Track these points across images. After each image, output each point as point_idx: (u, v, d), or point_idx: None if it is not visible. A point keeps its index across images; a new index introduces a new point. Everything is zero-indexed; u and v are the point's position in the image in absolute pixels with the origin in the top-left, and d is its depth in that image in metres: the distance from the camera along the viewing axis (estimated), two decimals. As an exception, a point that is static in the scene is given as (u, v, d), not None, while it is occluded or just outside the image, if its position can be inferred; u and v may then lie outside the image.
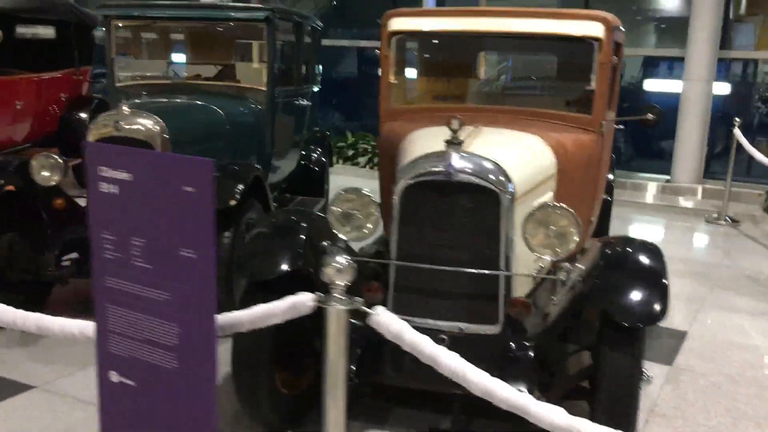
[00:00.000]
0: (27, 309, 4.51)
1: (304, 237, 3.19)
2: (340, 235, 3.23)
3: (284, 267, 3.02)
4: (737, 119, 8.03)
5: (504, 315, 3.12)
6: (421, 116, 4.37)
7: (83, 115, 8.58)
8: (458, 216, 3.13)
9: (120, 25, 5.65)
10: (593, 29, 4.14)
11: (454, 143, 3.13)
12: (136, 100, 5.17)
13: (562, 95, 4.66)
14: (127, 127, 4.46)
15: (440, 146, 3.28)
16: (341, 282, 1.98)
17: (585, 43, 4.19)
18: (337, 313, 1.97)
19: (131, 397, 2.20)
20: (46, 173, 4.45)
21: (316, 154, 6.86)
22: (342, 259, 1.98)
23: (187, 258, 2.00)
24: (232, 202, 4.24)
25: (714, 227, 8.05)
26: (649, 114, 4.21)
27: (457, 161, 3.09)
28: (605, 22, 4.14)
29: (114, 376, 2.23)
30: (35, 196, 4.52)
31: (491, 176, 3.10)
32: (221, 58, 6.48)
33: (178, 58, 6.71)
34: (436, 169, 3.10)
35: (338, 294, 1.97)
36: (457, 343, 3.10)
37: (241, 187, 4.32)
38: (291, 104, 6.18)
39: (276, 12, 5.57)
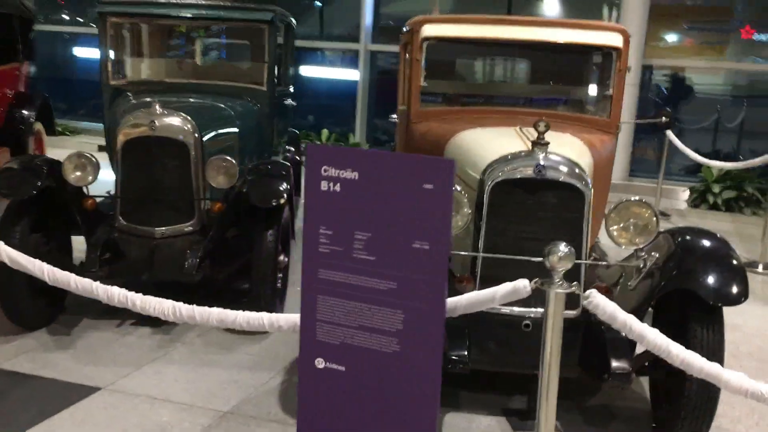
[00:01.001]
0: (50, 312, 4.48)
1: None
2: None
3: None
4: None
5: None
6: (455, 117, 4.62)
7: (27, 113, 8.30)
8: (544, 211, 3.40)
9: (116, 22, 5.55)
10: (613, 39, 4.53)
11: (540, 143, 3.40)
12: (146, 99, 5.14)
13: (573, 99, 5.02)
14: (161, 126, 4.46)
15: (515, 146, 3.56)
16: (562, 268, 2.21)
17: (603, 51, 4.58)
18: (556, 295, 2.20)
19: (338, 382, 2.34)
20: (79, 173, 4.39)
21: (291, 153, 6.98)
22: (564, 247, 2.21)
23: (419, 249, 2.17)
24: (282, 201, 4.34)
25: (649, 221, 8.69)
26: (663, 117, 4.64)
27: (544, 160, 3.36)
28: (623, 33, 4.54)
29: (320, 363, 2.36)
30: (65, 197, 4.44)
31: (576, 174, 3.39)
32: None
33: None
34: (527, 168, 3.35)
35: (558, 279, 2.21)
36: (540, 326, 3.41)
37: (286, 185, 4.42)
38: (281, 104, 6.27)
39: (277, 13, 5.66)
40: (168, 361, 4.13)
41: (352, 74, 11.91)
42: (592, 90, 4.86)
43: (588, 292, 2.31)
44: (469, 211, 3.46)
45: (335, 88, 12.18)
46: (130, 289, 4.52)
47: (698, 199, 9.35)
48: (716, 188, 9.13)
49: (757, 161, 7.12)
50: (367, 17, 11.09)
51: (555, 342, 2.21)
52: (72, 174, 4.37)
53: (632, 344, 3.33)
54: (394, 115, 5.67)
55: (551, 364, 2.23)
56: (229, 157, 4.51)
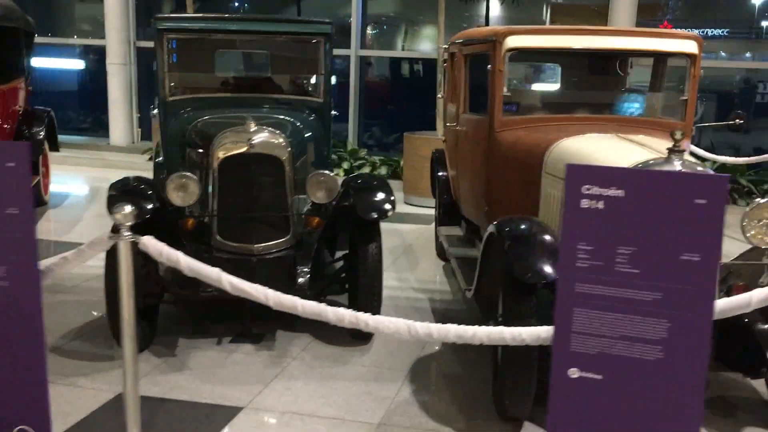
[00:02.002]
0: (150, 334, 4.44)
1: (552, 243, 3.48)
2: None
3: (551, 273, 3.30)
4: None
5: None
6: (540, 125, 4.76)
7: (36, 129, 8.10)
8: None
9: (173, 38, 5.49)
10: (689, 47, 4.75)
11: (676, 151, 3.57)
12: (208, 117, 5.13)
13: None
14: (259, 143, 4.47)
15: (640, 153, 3.74)
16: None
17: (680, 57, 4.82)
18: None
19: (594, 391, 2.45)
20: (182, 193, 4.36)
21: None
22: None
23: (688, 261, 2.30)
24: (389, 214, 4.40)
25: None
26: (737, 119, 4.90)
27: (683, 167, 3.53)
28: (698, 40, 4.76)
29: (574, 373, 2.46)
30: (167, 218, 4.40)
31: (711, 179, 3.58)
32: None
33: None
34: (668, 175, 3.52)
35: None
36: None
37: (393, 198, 4.48)
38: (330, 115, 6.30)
39: (332, 24, 5.71)
40: (290, 377, 4.14)
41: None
42: (665, 95, 5.08)
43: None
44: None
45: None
46: (237, 306, 4.59)
47: (693, 193, 9.72)
48: (711, 182, 9.52)
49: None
50: (358, 23, 11.15)
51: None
52: (176, 195, 4.34)
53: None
54: (453, 123, 5.77)
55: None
56: (327, 172, 4.55)
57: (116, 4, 11.52)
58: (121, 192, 4.30)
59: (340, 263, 4.80)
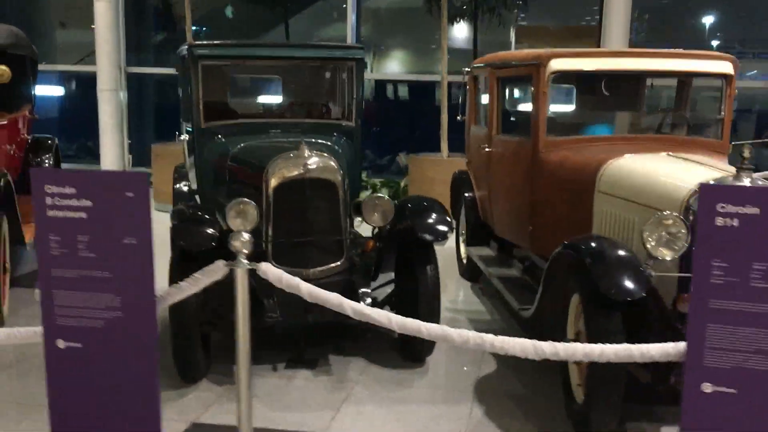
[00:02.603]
0: (208, 363, 4.39)
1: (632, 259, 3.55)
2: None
3: (639, 290, 3.37)
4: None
5: None
6: (585, 145, 4.86)
7: (44, 157, 7.99)
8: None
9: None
10: (725, 67, 4.90)
11: (745, 168, 3.67)
12: (250, 143, 5.14)
13: (678, 124, 5.38)
14: (315, 168, 4.49)
15: (702, 171, 3.86)
16: None
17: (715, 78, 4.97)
18: None
19: (727, 405, 2.51)
20: (240, 219, 4.34)
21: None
22: None
23: (824, 274, 2.38)
24: (449, 235, 4.45)
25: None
26: (771, 137, 5.06)
27: (752, 183, 3.64)
28: (733, 61, 4.92)
29: (707, 388, 2.52)
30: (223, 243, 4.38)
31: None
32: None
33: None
34: (739, 192, 3.62)
35: None
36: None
37: (450, 219, 4.53)
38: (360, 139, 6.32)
39: (364, 49, 5.76)
40: (358, 402, 4.14)
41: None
42: (701, 114, 5.22)
43: None
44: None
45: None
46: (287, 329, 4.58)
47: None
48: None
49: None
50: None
51: None
52: (236, 221, 4.32)
53: None
54: (484, 144, 5.85)
55: None
56: (382, 195, 4.58)
57: (107, 30, 11.41)
58: (184, 221, 4.30)
59: (391, 286, 4.82)
